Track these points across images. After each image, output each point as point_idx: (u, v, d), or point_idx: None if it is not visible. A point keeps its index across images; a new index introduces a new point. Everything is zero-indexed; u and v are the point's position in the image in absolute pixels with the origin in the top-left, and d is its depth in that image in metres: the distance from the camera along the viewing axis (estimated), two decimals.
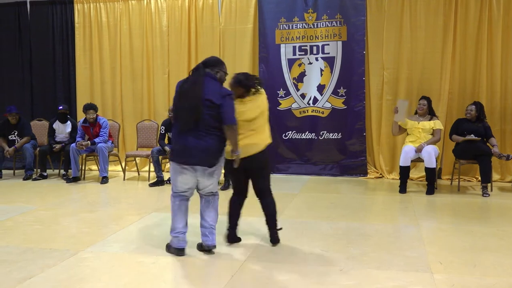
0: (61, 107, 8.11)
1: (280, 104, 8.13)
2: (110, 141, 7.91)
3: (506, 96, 7.31)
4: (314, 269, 3.71)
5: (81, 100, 8.73)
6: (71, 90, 9.09)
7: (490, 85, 7.34)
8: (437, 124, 6.75)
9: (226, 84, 4.16)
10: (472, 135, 6.57)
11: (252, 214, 5.66)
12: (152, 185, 7.29)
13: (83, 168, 8.00)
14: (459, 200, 6.27)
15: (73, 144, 7.58)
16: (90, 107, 7.70)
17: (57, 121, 8.14)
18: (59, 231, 4.89)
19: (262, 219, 5.12)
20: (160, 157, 7.44)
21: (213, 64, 4.04)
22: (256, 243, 4.34)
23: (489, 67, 7.32)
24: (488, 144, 6.65)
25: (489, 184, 6.54)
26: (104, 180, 7.58)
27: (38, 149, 8.13)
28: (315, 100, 8.03)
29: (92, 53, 8.93)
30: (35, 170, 8.14)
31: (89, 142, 7.59)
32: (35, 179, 7.85)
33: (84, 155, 7.85)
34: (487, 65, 7.32)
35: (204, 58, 8.79)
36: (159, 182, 7.31)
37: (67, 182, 7.59)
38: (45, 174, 8.00)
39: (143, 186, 7.39)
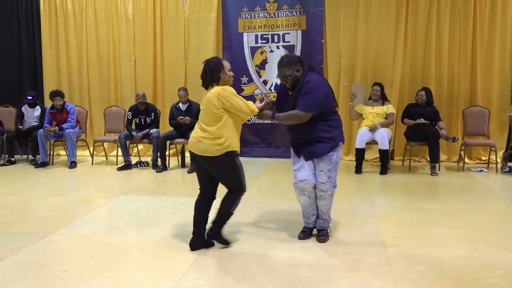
0: (30, 97, 7.84)
1: (243, 90, 8.09)
2: (78, 126, 7.71)
3: (453, 82, 7.50)
4: (276, 245, 3.73)
5: (48, 87, 8.46)
6: (38, 77, 8.82)
7: (438, 72, 7.51)
8: (390, 108, 6.88)
9: None
10: (422, 118, 6.72)
11: (218, 196, 5.66)
12: (120, 169, 7.17)
13: (51, 153, 7.78)
14: (410, 179, 6.42)
15: (41, 130, 7.35)
16: (56, 94, 7.47)
17: (25, 106, 7.91)
18: (29, 214, 4.75)
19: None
20: (128, 142, 7.32)
21: None
22: None
23: (437, 55, 7.48)
24: (436, 127, 6.82)
25: (437, 164, 6.73)
26: (73, 164, 7.39)
27: (5, 135, 7.85)
28: (277, 86, 8.04)
29: (58, 40, 8.65)
30: (2, 155, 7.87)
31: (56, 128, 7.39)
32: (3, 165, 7.59)
33: (52, 140, 7.63)
34: (435, 53, 7.47)
35: (168, 46, 8.83)
36: (127, 166, 7.19)
37: (35, 167, 7.37)
38: (13, 159, 7.75)
39: (111, 170, 7.26)
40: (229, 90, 3.49)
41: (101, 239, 3.96)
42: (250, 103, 3.58)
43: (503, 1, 7.26)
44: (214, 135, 3.46)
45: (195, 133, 3.57)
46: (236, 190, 3.63)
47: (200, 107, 3.65)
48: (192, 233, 3.68)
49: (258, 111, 3.63)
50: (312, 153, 3.70)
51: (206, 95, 3.56)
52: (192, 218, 3.69)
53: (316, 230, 3.96)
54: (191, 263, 3.38)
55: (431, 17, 7.43)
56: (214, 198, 3.74)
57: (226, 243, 3.73)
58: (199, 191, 3.74)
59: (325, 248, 3.66)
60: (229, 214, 3.67)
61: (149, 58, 8.37)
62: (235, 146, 3.53)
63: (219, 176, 3.64)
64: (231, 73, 3.63)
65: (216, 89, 3.49)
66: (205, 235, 3.69)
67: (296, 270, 3.26)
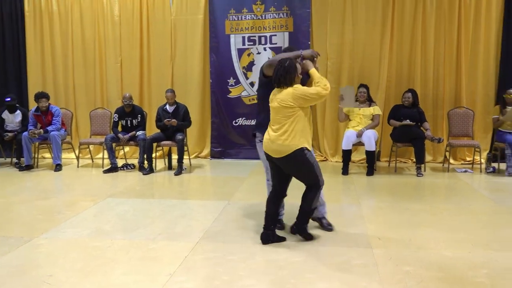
0: (8, 99, 7.62)
1: (231, 92, 8.09)
2: (63, 129, 7.64)
3: (438, 84, 7.57)
4: (263, 247, 3.74)
5: (33, 89, 8.37)
6: (22, 79, 8.69)
7: (423, 74, 7.57)
8: (376, 110, 6.92)
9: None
10: (407, 120, 6.77)
11: (205, 198, 5.64)
12: (106, 171, 7.11)
13: (36, 156, 7.69)
14: (396, 180, 6.47)
15: (25, 133, 7.26)
16: (42, 95, 7.39)
17: (5, 111, 7.74)
18: (13, 218, 4.69)
19: (215, 202, 5.15)
20: (114, 144, 7.26)
21: None
22: (208, 225, 4.33)
23: (423, 58, 7.55)
24: (422, 128, 6.88)
25: (422, 165, 6.79)
26: (58, 167, 7.32)
27: None
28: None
29: (43, 41, 8.55)
30: None
31: (41, 130, 7.31)
32: None
33: (37, 143, 7.55)
34: (421, 55, 7.54)
35: (155, 47, 8.76)
36: (113, 168, 7.14)
37: (20, 170, 7.29)
38: None
39: (97, 173, 7.20)
40: (301, 87, 3.64)
41: (87, 242, 3.93)
42: (316, 87, 3.64)
43: (487, 3, 7.35)
44: (285, 133, 3.61)
45: (267, 134, 3.75)
46: (314, 186, 3.77)
47: (270, 105, 3.75)
48: (263, 227, 3.85)
49: (327, 83, 3.67)
50: None
51: (278, 96, 3.66)
52: (265, 213, 3.88)
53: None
54: (178, 265, 3.37)
55: (417, 20, 7.50)
56: (285, 195, 3.95)
57: (310, 238, 3.89)
58: (271, 188, 3.96)
59: (312, 249, 3.67)
60: (311, 210, 3.84)
61: (136, 60, 8.32)
62: (305, 142, 3.66)
63: (295, 174, 3.79)
64: (300, 76, 3.78)
65: (289, 90, 3.61)
66: (290, 229, 4.04)
67: (284, 271, 3.26)
